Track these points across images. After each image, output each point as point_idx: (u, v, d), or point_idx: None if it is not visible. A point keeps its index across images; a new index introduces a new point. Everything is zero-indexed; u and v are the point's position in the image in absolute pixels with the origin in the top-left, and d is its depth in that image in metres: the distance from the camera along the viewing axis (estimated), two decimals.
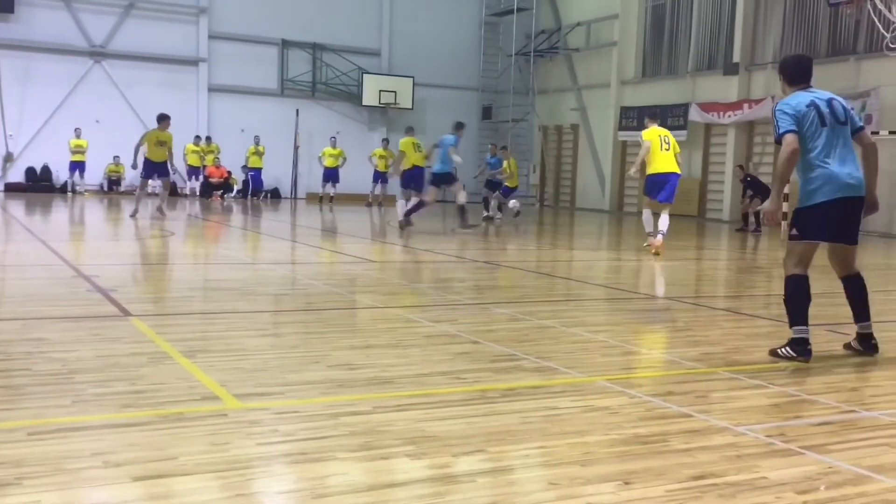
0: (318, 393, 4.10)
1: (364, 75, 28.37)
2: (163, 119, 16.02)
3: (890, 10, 5.20)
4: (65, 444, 3.22)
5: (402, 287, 8.41)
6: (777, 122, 5.19)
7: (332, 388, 4.21)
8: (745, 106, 22.36)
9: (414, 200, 15.63)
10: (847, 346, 5.48)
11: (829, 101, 5.26)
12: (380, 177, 25.06)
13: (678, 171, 12.36)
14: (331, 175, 25.41)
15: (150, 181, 17.65)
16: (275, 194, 27.83)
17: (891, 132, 17.23)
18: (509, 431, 3.55)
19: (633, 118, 26.22)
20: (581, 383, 4.47)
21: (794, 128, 5.11)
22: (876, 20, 5.33)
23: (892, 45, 5.28)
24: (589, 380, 4.54)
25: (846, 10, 19.36)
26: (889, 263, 12.49)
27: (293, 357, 4.92)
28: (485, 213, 19.77)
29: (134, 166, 16.35)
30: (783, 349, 5.18)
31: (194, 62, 26.79)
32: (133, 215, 15.91)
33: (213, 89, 27.09)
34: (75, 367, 4.40)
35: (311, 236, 15.17)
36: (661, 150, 12.22)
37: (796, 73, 5.40)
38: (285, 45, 27.81)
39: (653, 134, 12.36)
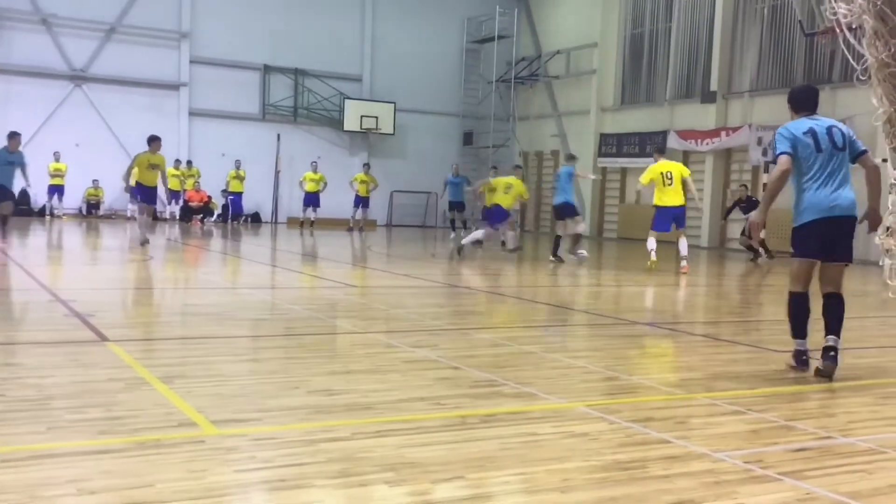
0: (297, 419, 4.08)
1: (346, 101, 28.47)
2: (153, 140, 15.12)
3: (861, 44, 5.35)
4: (39, 471, 3.18)
5: (382, 312, 8.39)
6: (776, 143, 5.64)
7: (311, 413, 4.18)
8: (723, 133, 22.62)
9: (479, 233, 15.60)
10: (816, 371, 5.54)
11: (829, 129, 5.64)
12: (361, 201, 25.08)
13: (682, 204, 13.58)
14: (312, 200, 25.41)
15: (130, 205, 17.07)
16: (255, 219, 27.77)
17: None
18: (489, 458, 3.54)
19: (613, 145, 26.46)
20: (561, 409, 4.47)
21: (789, 150, 5.54)
22: (847, 53, 5.46)
23: (862, 78, 5.46)
24: (569, 406, 4.55)
25: (821, 40, 19.70)
26: (865, 290, 12.61)
27: (272, 383, 4.89)
28: (452, 235, 20.09)
29: (127, 190, 15.62)
30: (790, 359, 5.69)
31: (175, 86, 26.78)
32: (144, 244, 14.95)
33: (193, 113, 27.07)
34: (51, 393, 4.35)
35: (291, 261, 15.13)
36: (664, 185, 13.42)
37: (800, 102, 5.83)
38: (267, 70, 27.88)
39: (655, 172, 13.51)
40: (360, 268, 14.11)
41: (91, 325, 6.56)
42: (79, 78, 25.68)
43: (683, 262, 13.67)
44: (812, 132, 5.57)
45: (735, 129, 22.32)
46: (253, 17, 27.39)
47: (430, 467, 3.37)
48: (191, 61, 26.89)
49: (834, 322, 5.53)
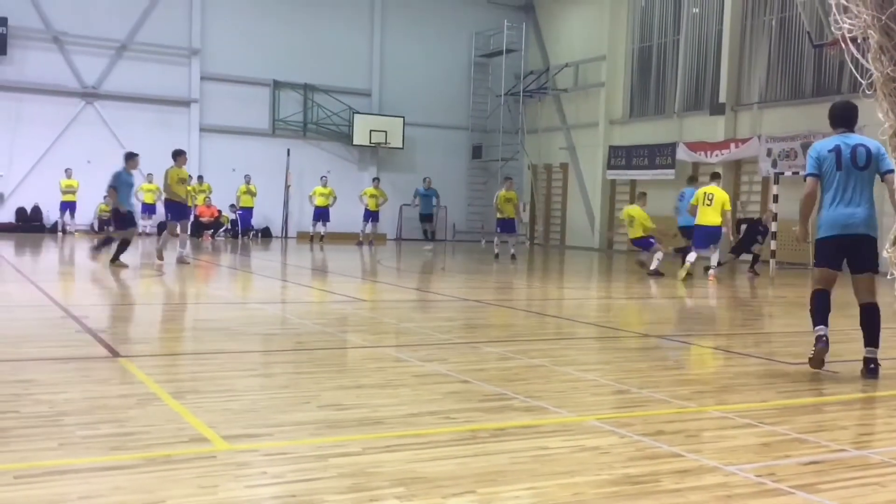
0: (308, 434, 4.08)
1: (355, 115, 28.58)
2: (178, 155, 14.85)
3: (866, 58, 5.39)
4: (52, 487, 3.19)
5: (392, 326, 8.40)
6: (806, 163, 6.12)
7: (322, 428, 4.19)
8: (732, 145, 22.58)
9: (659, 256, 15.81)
10: (861, 372, 5.98)
11: (855, 147, 5.94)
12: (370, 216, 25.13)
13: (718, 224, 14.72)
14: (321, 214, 25.48)
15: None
16: (265, 233, 27.85)
17: None
18: (499, 472, 3.53)
19: (622, 157, 26.45)
20: (571, 423, 4.47)
21: (815, 171, 5.98)
22: (852, 68, 5.51)
23: (868, 92, 5.56)
24: (579, 419, 4.54)
25: (830, 51, 19.67)
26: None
27: (283, 398, 4.90)
28: (429, 247, 20.77)
29: (168, 212, 15.16)
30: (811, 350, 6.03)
31: (186, 102, 26.94)
32: (184, 260, 15.00)
33: (204, 129, 27.21)
34: (63, 410, 4.37)
35: (301, 275, 15.16)
36: (703, 205, 14.67)
37: (835, 119, 6.21)
38: (277, 85, 28.03)
39: (699, 194, 14.87)
40: (370, 282, 14.13)
41: (103, 340, 6.59)
42: (90, 95, 25.86)
43: (711, 272, 15.14)
44: (837, 150, 5.90)
45: (744, 141, 22.28)
46: (262, 33, 27.57)
47: (440, 482, 3.37)
48: (201, 77, 27.05)
49: (872, 334, 5.90)
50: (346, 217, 26.23)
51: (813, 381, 5.85)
